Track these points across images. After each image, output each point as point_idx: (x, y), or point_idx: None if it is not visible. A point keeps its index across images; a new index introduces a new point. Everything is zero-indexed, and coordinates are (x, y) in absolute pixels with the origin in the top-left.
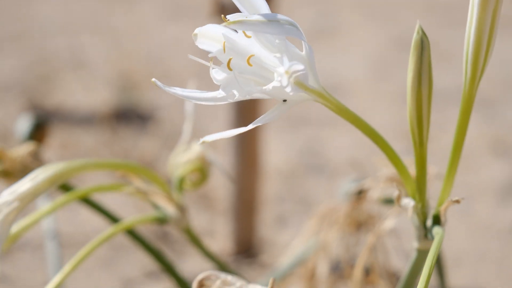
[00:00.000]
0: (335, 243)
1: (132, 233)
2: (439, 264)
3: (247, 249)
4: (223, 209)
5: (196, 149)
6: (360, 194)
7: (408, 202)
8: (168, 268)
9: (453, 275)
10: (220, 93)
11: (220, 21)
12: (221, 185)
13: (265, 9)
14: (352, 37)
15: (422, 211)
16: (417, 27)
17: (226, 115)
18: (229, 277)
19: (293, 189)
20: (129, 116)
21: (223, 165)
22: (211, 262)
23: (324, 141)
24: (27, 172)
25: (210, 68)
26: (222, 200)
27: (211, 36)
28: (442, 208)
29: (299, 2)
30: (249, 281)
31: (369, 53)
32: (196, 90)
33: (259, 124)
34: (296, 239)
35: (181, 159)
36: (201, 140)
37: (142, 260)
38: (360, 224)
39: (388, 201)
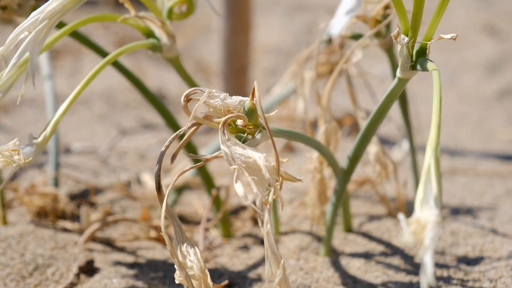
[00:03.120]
0: (311, 84)
1: (130, 77)
2: (404, 102)
3: None
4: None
5: None
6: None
7: (403, 38)
8: (163, 112)
9: None
10: None
11: None
12: (216, 54)
13: None
14: None
15: (412, 45)
16: None
17: None
18: (214, 91)
19: (287, 64)
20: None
21: None
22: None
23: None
24: (22, 7)
25: None
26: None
27: None
28: (429, 43)
29: None
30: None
31: None
32: None
33: None
34: (277, 84)
35: None
36: None
37: (139, 115)
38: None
39: (356, 37)
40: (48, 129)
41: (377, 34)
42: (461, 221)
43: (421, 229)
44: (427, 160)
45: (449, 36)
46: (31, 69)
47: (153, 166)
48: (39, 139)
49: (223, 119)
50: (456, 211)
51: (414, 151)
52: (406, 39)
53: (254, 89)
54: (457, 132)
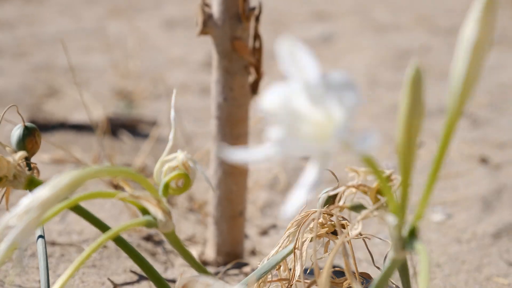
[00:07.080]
0: (309, 248)
1: (117, 240)
2: (406, 276)
3: (234, 258)
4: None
5: (180, 157)
6: (331, 202)
7: (392, 220)
8: (150, 272)
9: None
10: (272, 151)
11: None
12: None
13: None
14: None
15: (400, 227)
16: (412, 63)
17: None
18: (210, 280)
19: (280, 202)
20: (127, 131)
21: (205, 171)
22: (193, 266)
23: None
24: (17, 178)
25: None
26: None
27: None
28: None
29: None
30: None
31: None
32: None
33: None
34: (275, 246)
35: (166, 167)
36: None
37: (132, 266)
38: (333, 230)
39: (356, 208)
40: None
41: (379, 205)
42: None
43: None
44: None
45: (439, 218)
46: (20, 258)
47: None
48: None
49: None
50: None
51: None
52: (396, 222)
53: None
54: (454, 279)
